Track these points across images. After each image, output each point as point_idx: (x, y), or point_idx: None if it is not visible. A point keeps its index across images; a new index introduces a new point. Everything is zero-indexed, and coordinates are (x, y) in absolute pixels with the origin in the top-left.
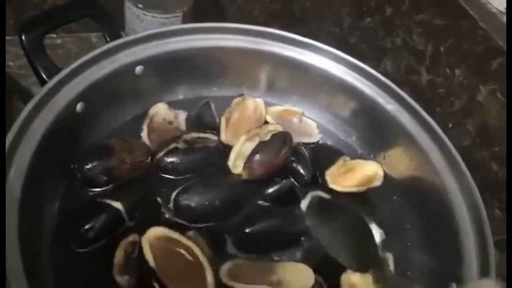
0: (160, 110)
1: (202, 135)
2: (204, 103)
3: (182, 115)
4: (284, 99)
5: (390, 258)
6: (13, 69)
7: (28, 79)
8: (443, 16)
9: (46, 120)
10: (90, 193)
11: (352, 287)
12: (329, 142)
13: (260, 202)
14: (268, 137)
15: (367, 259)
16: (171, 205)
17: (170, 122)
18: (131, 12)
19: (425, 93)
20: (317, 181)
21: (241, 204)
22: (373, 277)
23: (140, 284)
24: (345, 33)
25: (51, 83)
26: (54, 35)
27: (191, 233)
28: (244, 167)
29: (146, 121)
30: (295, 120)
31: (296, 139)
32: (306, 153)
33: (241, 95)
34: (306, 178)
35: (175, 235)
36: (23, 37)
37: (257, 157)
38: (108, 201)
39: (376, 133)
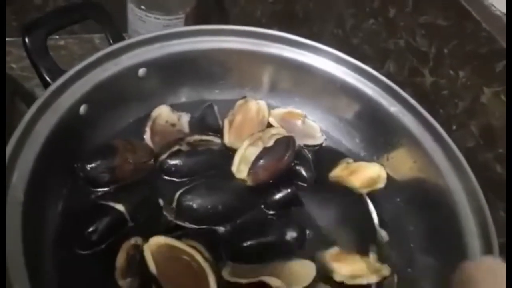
0: (163, 112)
1: (205, 137)
2: (207, 105)
3: (185, 117)
4: (287, 101)
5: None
6: (16, 71)
7: (31, 81)
8: (447, 18)
9: (50, 122)
10: (93, 195)
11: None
12: (332, 144)
13: (263, 209)
14: (271, 142)
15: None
16: (174, 205)
17: (173, 125)
18: (134, 13)
19: (429, 95)
20: (321, 183)
21: (244, 211)
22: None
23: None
24: (348, 34)
25: (54, 86)
26: (57, 37)
27: (193, 242)
28: (249, 173)
29: (149, 123)
30: (298, 122)
31: (299, 141)
32: (309, 156)
33: (244, 97)
34: (309, 180)
35: (177, 243)
36: (26, 39)
37: (261, 162)
38: (111, 204)
39: (379, 134)
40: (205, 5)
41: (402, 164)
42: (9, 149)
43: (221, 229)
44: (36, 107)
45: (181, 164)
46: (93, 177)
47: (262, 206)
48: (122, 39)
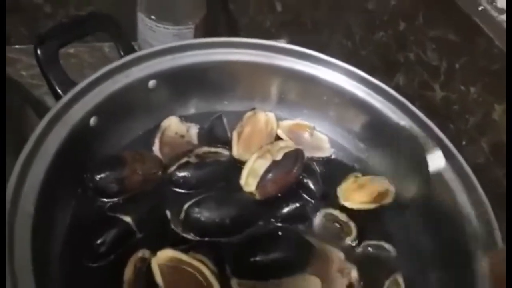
0: (172, 124)
1: (213, 149)
2: (216, 116)
3: (194, 129)
4: (295, 113)
5: None
6: (25, 79)
7: (40, 88)
8: (458, 33)
9: (60, 135)
10: (102, 207)
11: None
12: (340, 157)
13: (271, 223)
14: (280, 155)
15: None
16: (181, 217)
17: (182, 136)
18: (144, 23)
19: (439, 109)
20: (328, 197)
21: (251, 225)
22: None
23: None
24: (357, 46)
25: (66, 98)
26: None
27: (200, 255)
28: (257, 187)
29: (158, 135)
30: (307, 134)
31: (307, 154)
32: (317, 169)
33: (253, 109)
34: (316, 194)
35: (184, 256)
36: (39, 50)
37: (270, 176)
38: (119, 216)
39: (388, 148)
40: (214, 15)
41: (411, 178)
42: (19, 162)
43: (228, 243)
44: (47, 120)
45: (190, 176)
46: (102, 188)
47: (271, 219)
48: (133, 51)
